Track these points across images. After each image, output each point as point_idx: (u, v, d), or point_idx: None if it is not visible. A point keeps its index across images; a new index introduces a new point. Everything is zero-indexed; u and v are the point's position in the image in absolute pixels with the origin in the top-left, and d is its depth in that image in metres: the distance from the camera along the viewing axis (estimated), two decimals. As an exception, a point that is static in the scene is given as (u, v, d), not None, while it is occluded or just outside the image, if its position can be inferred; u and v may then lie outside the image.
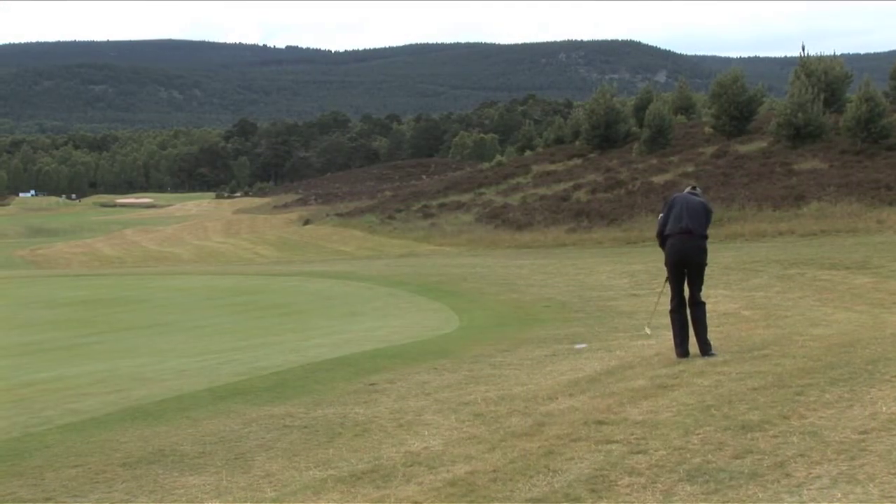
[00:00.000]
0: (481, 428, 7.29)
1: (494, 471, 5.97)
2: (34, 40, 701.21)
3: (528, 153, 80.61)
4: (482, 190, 58.49)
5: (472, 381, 9.49)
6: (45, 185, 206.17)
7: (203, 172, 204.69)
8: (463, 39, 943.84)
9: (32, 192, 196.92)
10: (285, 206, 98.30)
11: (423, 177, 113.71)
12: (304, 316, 17.77)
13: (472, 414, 7.83)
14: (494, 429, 7.22)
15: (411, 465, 6.28)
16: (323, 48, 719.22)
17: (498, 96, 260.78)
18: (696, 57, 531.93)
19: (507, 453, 6.41)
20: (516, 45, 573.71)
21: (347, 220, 61.46)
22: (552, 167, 60.44)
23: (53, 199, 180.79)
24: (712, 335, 10.51)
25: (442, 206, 55.74)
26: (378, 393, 9.06)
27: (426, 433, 7.23)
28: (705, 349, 9.97)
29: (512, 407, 8.01)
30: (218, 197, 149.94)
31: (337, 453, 6.76)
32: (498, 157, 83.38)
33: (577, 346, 11.62)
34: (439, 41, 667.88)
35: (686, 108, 68.29)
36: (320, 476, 6.18)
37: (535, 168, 61.61)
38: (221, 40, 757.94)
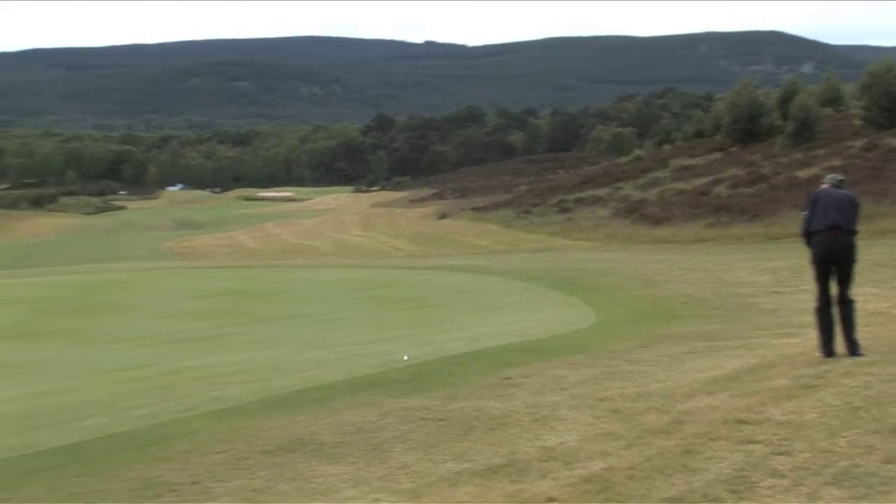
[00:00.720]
0: (617, 424, 7.20)
1: (631, 468, 5.89)
2: (182, 39, 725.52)
3: (666, 147, 79.35)
4: (619, 184, 57.83)
5: (609, 377, 9.39)
6: (192, 180, 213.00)
7: (341, 167, 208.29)
8: (600, 32, 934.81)
9: (180, 185, 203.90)
10: (422, 200, 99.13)
11: (560, 171, 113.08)
12: (440, 309, 17.89)
13: (608, 410, 7.75)
14: (631, 426, 7.12)
15: (546, 461, 6.24)
16: (459, 43, 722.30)
17: (635, 90, 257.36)
18: (844, 47, 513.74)
19: (643, 451, 6.31)
20: (655, 38, 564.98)
21: (483, 214, 61.60)
22: (691, 161, 59.33)
23: (199, 192, 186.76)
24: (860, 335, 10.13)
25: (578, 200, 55.34)
26: (513, 387, 9.04)
27: (561, 428, 7.18)
28: (853, 349, 9.60)
29: (649, 404, 7.89)
30: (356, 191, 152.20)
31: (472, 446, 6.78)
32: (636, 152, 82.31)
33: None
34: (576, 34, 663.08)
35: (834, 99, 66.01)
36: (456, 469, 6.21)
37: (674, 162, 60.57)
38: (361, 36, 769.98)
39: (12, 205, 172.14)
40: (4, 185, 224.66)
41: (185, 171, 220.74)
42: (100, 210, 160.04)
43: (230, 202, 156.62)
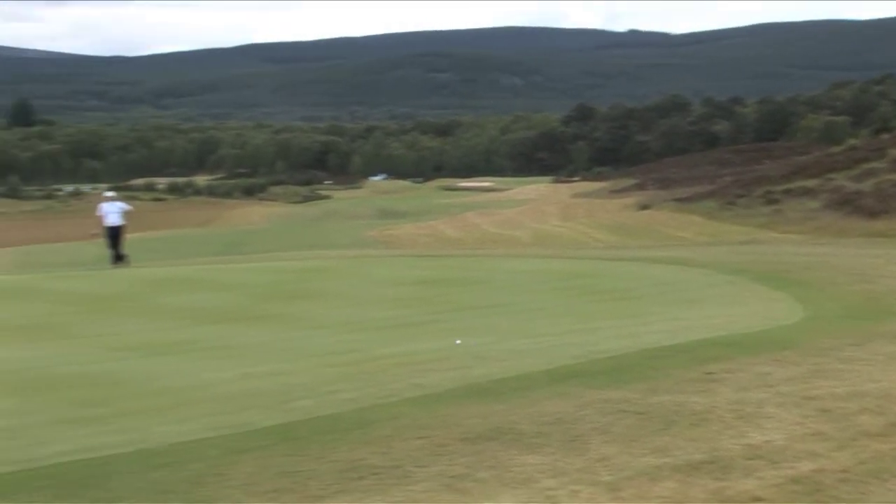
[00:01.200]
0: (828, 425, 6.91)
1: (843, 471, 5.64)
2: (387, 32, 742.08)
3: (884, 136, 75.46)
4: (831, 175, 55.41)
5: (818, 375, 9.02)
6: (394, 169, 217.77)
7: (542, 157, 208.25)
8: (812, 17, 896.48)
9: (382, 175, 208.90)
10: (622, 190, 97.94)
11: (766, 161, 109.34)
12: (640, 301, 17.63)
13: (817, 409, 7.45)
14: (843, 426, 6.82)
15: (751, 459, 6.06)
16: (664, 31, 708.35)
17: (851, 76, 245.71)
18: None
19: (857, 453, 6.03)
20: (873, 21, 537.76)
21: (685, 205, 60.34)
22: (911, 150, 56.19)
23: (401, 182, 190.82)
24: None
25: (787, 191, 53.41)
26: (716, 382, 8.82)
27: (767, 426, 6.95)
28: None
29: (862, 405, 7.53)
30: (556, 181, 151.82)
31: (673, 441, 6.65)
32: (850, 141, 78.69)
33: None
34: (786, 20, 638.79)
35: None
36: (656, 463, 6.11)
37: (892, 152, 57.53)
38: (562, 26, 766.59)
39: (227, 194, 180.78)
40: (220, 175, 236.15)
41: (387, 161, 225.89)
42: (306, 199, 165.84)
43: (431, 192, 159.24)
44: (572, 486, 5.77)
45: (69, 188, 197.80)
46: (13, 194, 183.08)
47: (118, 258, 28.75)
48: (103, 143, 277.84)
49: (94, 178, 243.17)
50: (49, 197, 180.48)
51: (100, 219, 28.99)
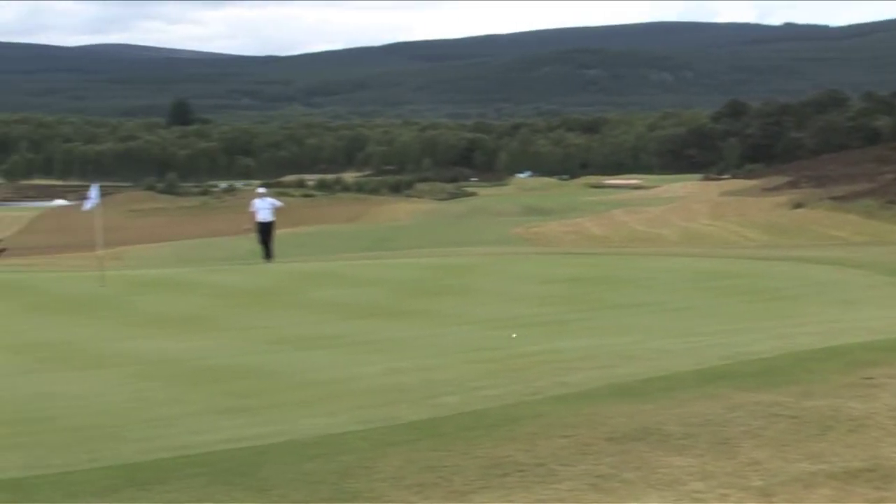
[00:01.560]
0: None
1: None
2: (534, 29, 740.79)
3: None
4: None
5: None
6: (540, 167, 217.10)
7: (691, 154, 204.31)
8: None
9: (528, 172, 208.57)
10: (775, 188, 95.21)
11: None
12: (792, 302, 17.13)
13: None
14: None
15: (913, 469, 5.82)
16: (822, 23, 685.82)
17: None
18: None
19: None
20: None
21: (842, 203, 58.34)
22: None
23: (547, 179, 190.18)
24: None
25: (952, 189, 51.01)
26: (875, 388, 8.49)
27: (931, 436, 6.66)
28: None
29: None
30: (705, 178, 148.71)
31: (829, 448, 6.44)
32: None
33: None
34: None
35: None
36: (810, 469, 5.93)
37: None
38: (714, 20, 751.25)
39: (374, 190, 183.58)
40: (367, 172, 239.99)
41: (533, 159, 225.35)
42: (452, 196, 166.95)
43: (577, 189, 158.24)
44: (721, 490, 5.65)
45: (223, 185, 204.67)
46: (171, 191, 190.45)
47: (265, 253, 29.49)
48: (256, 141, 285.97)
49: (247, 174, 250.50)
50: (205, 193, 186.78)
51: (252, 214, 29.76)
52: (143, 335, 16.02)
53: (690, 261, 26.75)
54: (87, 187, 27.92)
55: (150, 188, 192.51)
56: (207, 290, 22.42)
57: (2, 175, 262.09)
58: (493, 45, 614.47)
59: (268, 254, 29.52)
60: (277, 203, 30.47)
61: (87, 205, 25.40)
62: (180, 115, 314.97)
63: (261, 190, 32.23)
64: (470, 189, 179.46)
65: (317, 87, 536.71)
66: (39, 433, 8.08)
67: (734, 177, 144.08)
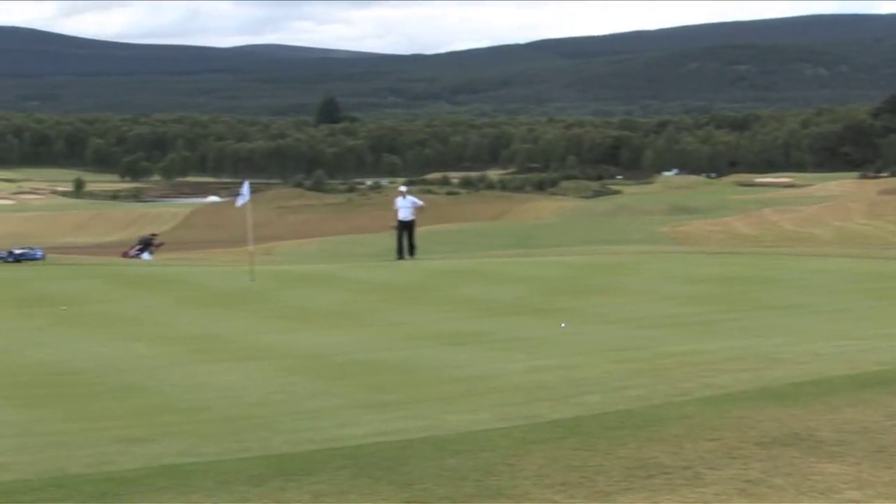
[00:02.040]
0: None
1: None
2: (683, 24, 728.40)
3: None
4: None
5: None
6: (687, 164, 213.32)
7: (846, 152, 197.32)
8: None
9: (675, 170, 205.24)
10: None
11: None
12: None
13: None
14: None
15: None
16: None
17: None
18: None
19: None
20: None
21: None
22: None
23: (694, 177, 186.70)
24: None
25: None
26: None
27: None
28: None
29: None
30: (862, 177, 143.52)
31: None
32: None
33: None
34: None
35: None
36: (975, 482, 5.65)
37: None
38: (874, 12, 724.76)
39: (518, 188, 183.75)
40: (511, 170, 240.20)
41: (680, 156, 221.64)
42: (597, 194, 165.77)
43: (725, 187, 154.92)
44: (879, 501, 5.44)
45: (369, 182, 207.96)
46: (318, 188, 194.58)
47: (408, 251, 29.39)
48: (401, 139, 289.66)
49: (392, 172, 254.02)
50: (351, 190, 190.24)
51: (395, 212, 29.94)
52: (290, 329, 16.41)
53: (846, 262, 25.88)
54: (238, 184, 28.74)
55: (299, 185, 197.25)
56: (352, 286, 22.82)
57: (159, 173, 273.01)
58: (640, 41, 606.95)
59: (410, 251, 29.58)
60: (418, 202, 30.52)
61: (239, 201, 26.13)
62: (329, 113, 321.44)
63: (403, 188, 32.47)
64: (615, 187, 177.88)
65: (462, 85, 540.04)
66: (192, 422, 8.36)
67: (893, 175, 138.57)
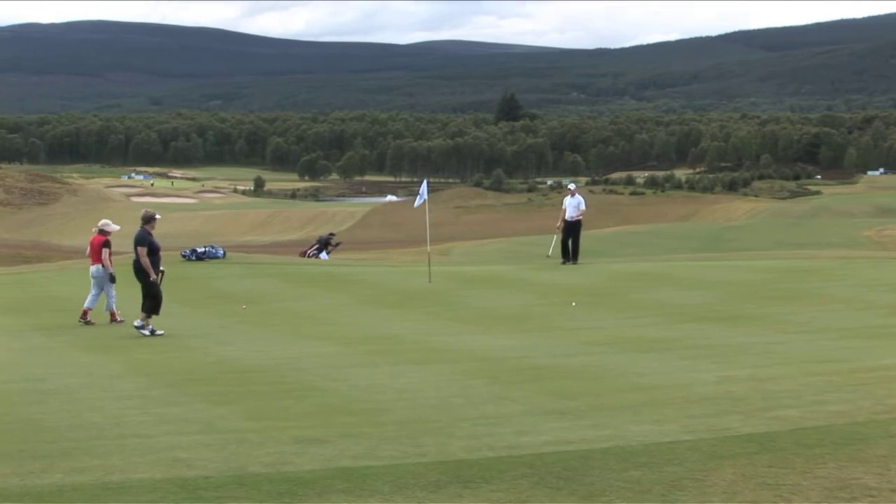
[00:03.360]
0: None
1: None
2: (891, 12, 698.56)
3: None
4: None
5: None
6: (895, 163, 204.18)
7: None
8: None
9: (882, 170, 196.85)
10: None
11: None
12: None
13: None
14: None
15: None
16: None
17: None
18: None
19: None
20: None
21: None
22: None
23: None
24: None
25: None
26: None
27: None
28: None
29: None
30: None
31: None
32: None
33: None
34: None
35: None
36: None
37: None
38: None
39: (707, 188, 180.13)
40: (700, 169, 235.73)
41: (888, 154, 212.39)
42: (794, 195, 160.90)
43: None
44: None
45: (550, 181, 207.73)
46: (497, 187, 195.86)
47: (570, 254, 28.43)
48: (584, 137, 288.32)
49: (573, 171, 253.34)
50: (531, 190, 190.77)
51: (563, 212, 29.13)
52: (469, 331, 16.56)
53: None
54: (416, 184, 29.16)
55: (477, 184, 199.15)
56: (533, 289, 22.85)
57: (337, 171, 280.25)
58: (845, 30, 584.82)
59: (572, 255, 28.51)
60: (582, 204, 29.26)
61: (418, 201, 26.52)
62: (508, 110, 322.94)
63: (571, 187, 31.58)
64: (813, 187, 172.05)
65: (649, 80, 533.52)
66: (370, 424, 8.54)
67: None
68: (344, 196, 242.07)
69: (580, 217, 28.62)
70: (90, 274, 19.00)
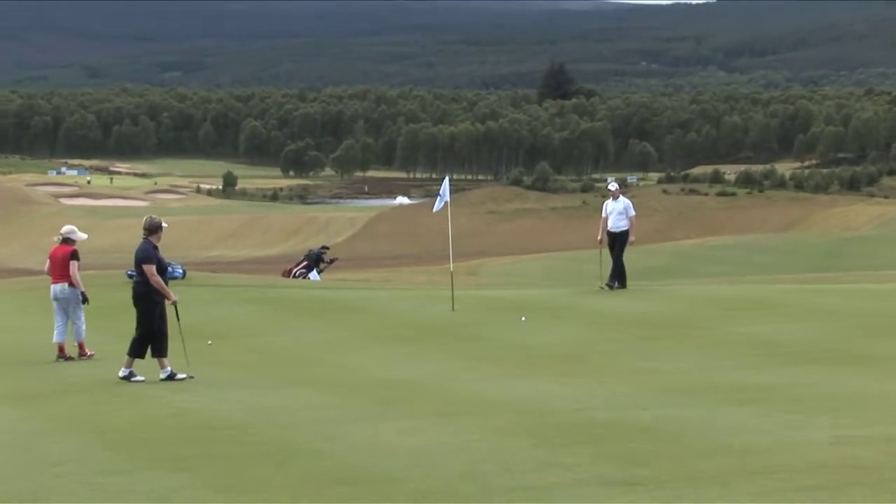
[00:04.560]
0: None
1: None
2: None
3: None
4: None
5: None
6: None
7: None
8: None
9: None
10: None
11: None
12: None
13: None
14: None
15: None
16: None
17: None
18: None
19: None
20: None
21: None
22: None
23: None
24: None
25: None
26: None
27: None
28: None
29: None
30: None
31: None
32: None
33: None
34: None
35: None
36: None
37: None
38: None
39: (819, 187, 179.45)
40: (811, 162, 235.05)
41: None
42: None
43: None
44: None
45: (610, 179, 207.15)
46: (542, 186, 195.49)
47: (614, 276, 27.61)
48: (656, 120, 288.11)
49: (642, 164, 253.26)
50: (586, 190, 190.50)
51: (603, 221, 28.30)
52: (504, 375, 16.54)
53: None
54: (435, 182, 29.14)
55: (516, 182, 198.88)
56: (587, 319, 22.81)
57: (332, 165, 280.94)
58: None
59: (617, 277, 27.64)
60: (631, 209, 28.27)
61: (438, 204, 26.49)
62: (557, 85, 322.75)
63: (613, 185, 30.55)
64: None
65: (741, 45, 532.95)
66: (375, 497, 8.54)
67: None
68: (341, 198, 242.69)
69: (627, 227, 27.65)
70: (52, 296, 19.23)
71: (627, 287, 27.52)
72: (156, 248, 16.82)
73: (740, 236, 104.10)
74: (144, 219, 17.39)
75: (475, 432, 11.55)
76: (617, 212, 27.62)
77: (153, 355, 16.58)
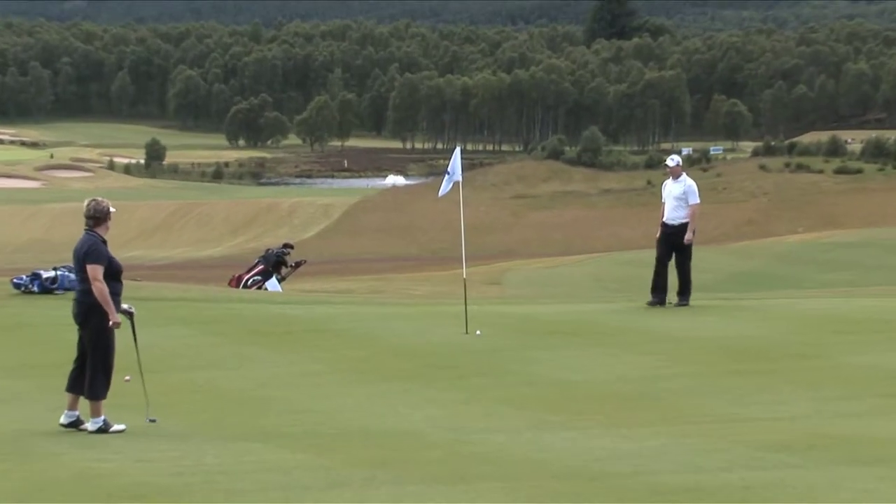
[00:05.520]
0: None
1: None
2: None
3: None
4: None
5: None
6: None
7: None
8: None
9: None
10: None
11: None
12: None
13: None
14: None
15: None
16: None
17: None
18: None
19: None
20: None
21: None
22: None
23: None
24: None
25: None
26: None
27: None
28: None
29: None
30: None
31: None
32: None
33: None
34: None
35: None
36: None
37: None
38: None
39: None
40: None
41: None
42: None
43: None
44: None
45: (686, 149, 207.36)
46: (591, 160, 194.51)
47: (679, 288, 27.23)
48: (747, 69, 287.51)
49: (731, 130, 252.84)
50: (651, 165, 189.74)
51: (663, 208, 27.75)
52: (538, 423, 16.58)
53: None
54: (441, 155, 29.24)
55: (554, 155, 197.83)
56: (652, 346, 22.89)
57: (298, 131, 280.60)
58: None
59: (681, 288, 27.21)
60: (692, 194, 27.47)
61: (445, 186, 26.49)
62: (611, 19, 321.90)
63: (672, 162, 29.26)
64: None
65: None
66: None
67: None
68: (309, 177, 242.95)
69: (688, 219, 27.20)
70: None
71: (690, 304, 27.28)
72: (104, 241, 16.70)
73: (868, 230, 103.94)
74: (86, 203, 17.08)
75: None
76: (674, 196, 27.04)
77: (85, 395, 16.53)
